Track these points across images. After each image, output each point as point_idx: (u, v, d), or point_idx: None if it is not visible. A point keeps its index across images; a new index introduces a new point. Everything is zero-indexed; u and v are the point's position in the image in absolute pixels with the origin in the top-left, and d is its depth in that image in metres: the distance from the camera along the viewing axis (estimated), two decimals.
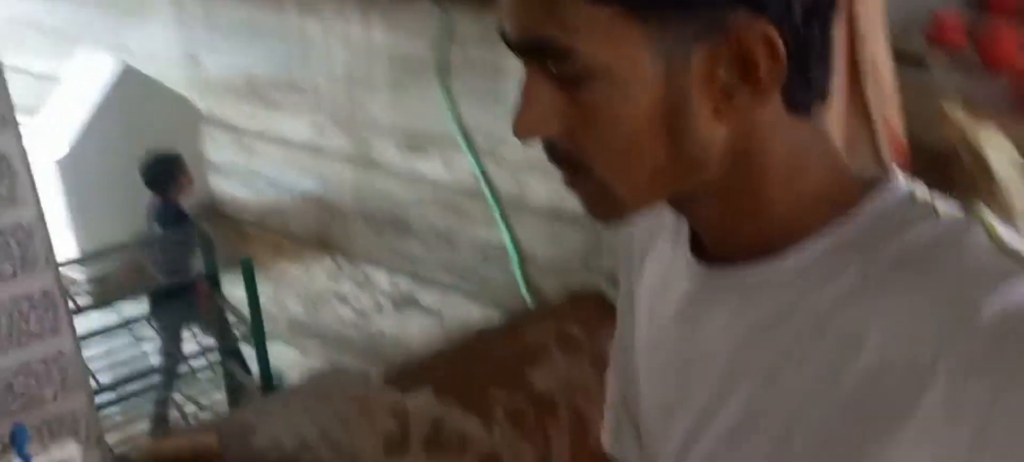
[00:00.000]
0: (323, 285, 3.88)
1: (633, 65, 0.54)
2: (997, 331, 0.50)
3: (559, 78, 0.56)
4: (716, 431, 0.62)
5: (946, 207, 0.57)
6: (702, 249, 0.66)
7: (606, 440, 0.91)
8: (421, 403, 2.37)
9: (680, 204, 0.63)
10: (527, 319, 2.69)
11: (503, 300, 3.91)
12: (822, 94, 0.59)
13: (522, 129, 0.59)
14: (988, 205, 2.03)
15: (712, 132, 0.57)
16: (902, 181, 0.59)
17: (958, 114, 2.74)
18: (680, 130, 0.56)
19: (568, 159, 0.60)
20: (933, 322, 0.52)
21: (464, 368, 2.48)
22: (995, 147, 2.62)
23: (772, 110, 0.57)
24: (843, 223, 0.58)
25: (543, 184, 3.77)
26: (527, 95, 0.58)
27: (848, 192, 0.59)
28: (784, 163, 0.59)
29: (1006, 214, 2.58)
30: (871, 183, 0.59)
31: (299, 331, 4.08)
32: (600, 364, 2.39)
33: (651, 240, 0.75)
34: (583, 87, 0.56)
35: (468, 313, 3.92)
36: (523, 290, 3.81)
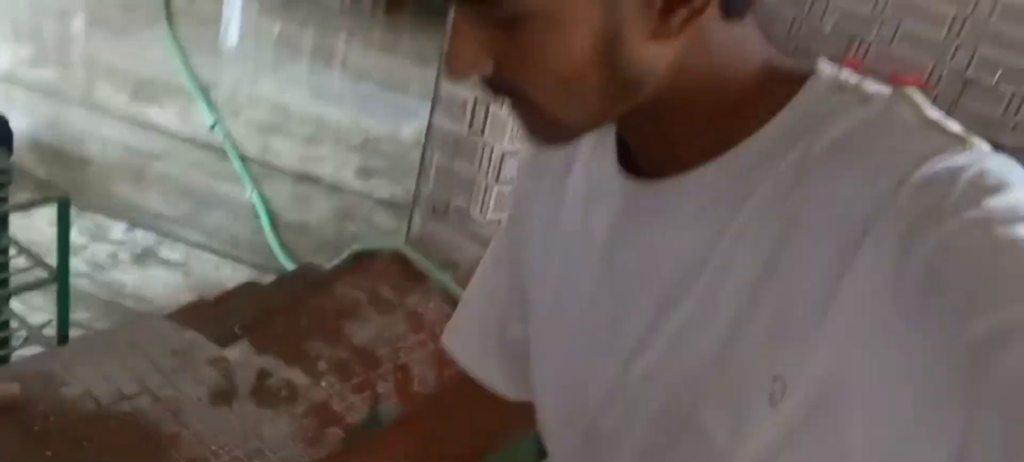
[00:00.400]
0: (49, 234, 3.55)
1: (567, 3, 0.53)
2: (917, 190, 0.50)
3: (494, 20, 0.55)
4: (666, 333, 0.61)
5: (874, 89, 0.57)
6: (631, 166, 0.66)
7: (452, 339, 0.90)
8: (241, 355, 2.36)
9: (622, 120, 0.63)
10: (334, 277, 2.74)
11: (254, 258, 3.85)
12: (755, 5, 0.58)
13: (454, 69, 0.57)
14: None
15: (652, 54, 0.56)
16: (828, 68, 0.59)
17: None
18: (619, 58, 0.55)
19: (506, 91, 0.59)
20: (863, 197, 0.52)
21: (279, 323, 2.49)
22: None
23: (708, 18, 0.56)
24: (776, 117, 0.58)
25: (287, 145, 3.78)
26: (458, 34, 0.57)
27: (781, 85, 0.59)
28: (722, 68, 0.59)
29: None
30: (800, 74, 0.59)
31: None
32: (413, 321, 2.58)
33: (560, 164, 0.74)
34: (518, 27, 0.54)
35: (217, 270, 3.80)
36: (277, 249, 3.79)
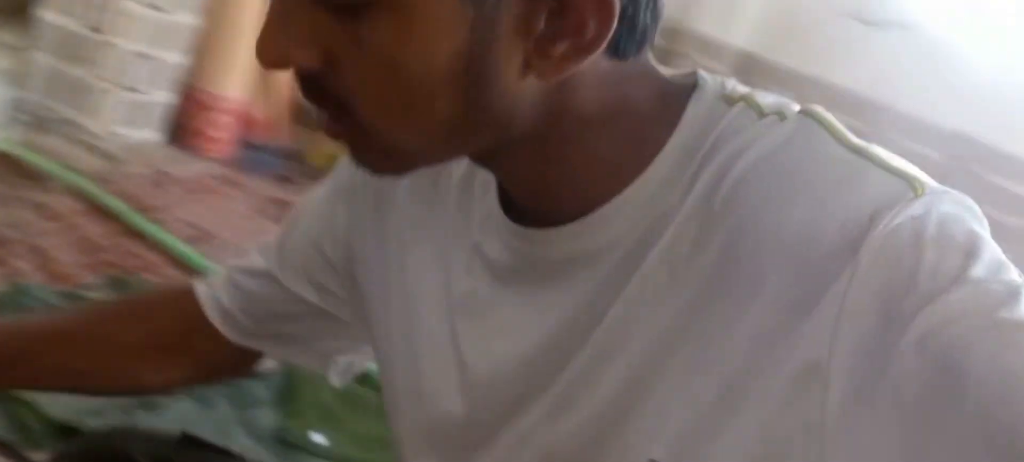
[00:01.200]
0: None
1: (436, 2, 0.44)
2: (882, 256, 0.43)
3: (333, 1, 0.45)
4: (547, 397, 0.52)
5: (771, 101, 0.50)
6: (511, 206, 0.55)
7: (218, 295, 0.72)
8: None
9: (485, 159, 0.52)
10: None
11: None
12: (649, 40, 0.49)
13: (268, 53, 0.46)
14: None
15: (520, 86, 0.47)
16: (708, 76, 0.52)
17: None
18: (482, 83, 0.46)
19: (330, 98, 0.47)
20: (803, 256, 0.44)
21: None
22: None
23: (595, 58, 0.47)
24: (666, 147, 0.49)
25: None
26: (278, 9, 0.46)
27: (667, 105, 0.51)
28: (604, 110, 0.50)
29: None
30: (684, 87, 0.52)
31: None
32: (41, 211, 2.12)
33: (383, 193, 0.63)
34: (365, 16, 0.44)
35: None
36: None
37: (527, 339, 0.53)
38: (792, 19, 3.65)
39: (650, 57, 0.51)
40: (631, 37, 0.47)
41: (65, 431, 1.39)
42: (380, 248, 0.62)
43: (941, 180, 0.48)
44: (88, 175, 2.40)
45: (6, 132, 2.47)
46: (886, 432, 0.42)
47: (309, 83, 0.47)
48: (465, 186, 0.58)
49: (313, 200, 0.69)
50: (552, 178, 0.51)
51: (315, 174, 3.32)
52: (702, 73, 0.52)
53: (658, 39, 0.50)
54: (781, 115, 0.49)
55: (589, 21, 0.44)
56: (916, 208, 0.44)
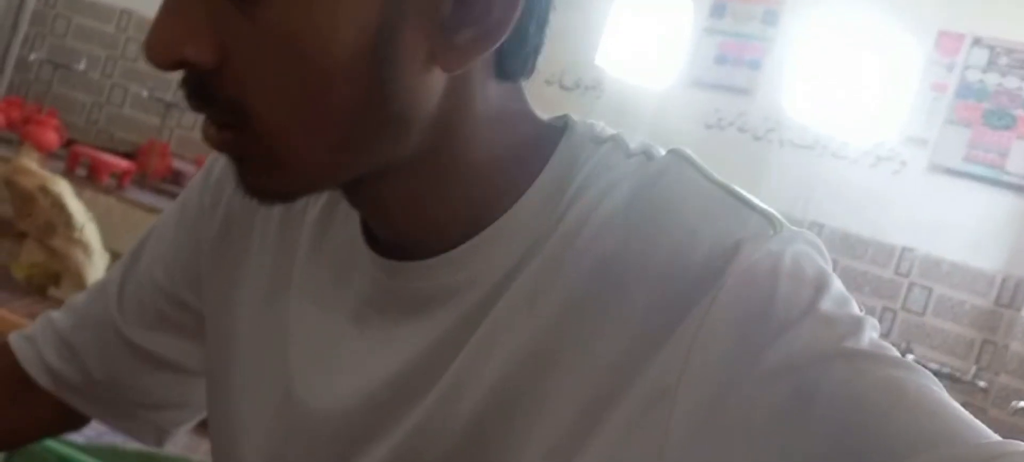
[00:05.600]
0: None
1: None
2: (739, 289, 0.45)
3: None
4: (400, 429, 0.51)
5: (638, 144, 0.52)
6: (373, 240, 0.54)
7: (34, 345, 0.69)
8: None
9: (362, 187, 0.50)
10: None
11: None
12: (532, 67, 0.50)
13: (159, 49, 0.42)
14: (65, 238, 2.64)
15: (422, 81, 0.45)
16: (578, 119, 0.53)
17: (33, 166, 3.03)
18: (386, 70, 0.44)
19: (221, 102, 0.44)
20: (665, 286, 0.45)
21: None
22: (66, 194, 3.01)
23: (483, 71, 0.48)
24: (538, 180, 0.50)
25: None
26: (171, 4, 0.43)
27: (536, 144, 0.51)
28: (485, 141, 0.49)
29: (79, 249, 2.96)
30: (553, 128, 0.53)
31: None
32: None
33: (243, 215, 0.61)
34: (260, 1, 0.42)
35: None
36: None
37: (375, 375, 0.51)
38: None
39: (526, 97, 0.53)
40: (519, 54, 0.49)
41: None
42: (222, 279, 0.60)
43: None
44: None
45: None
46: (731, 457, 0.43)
47: (198, 86, 0.44)
48: (321, 222, 0.56)
49: (154, 237, 0.66)
50: (425, 210, 0.50)
51: (18, 287, 3.06)
52: (572, 116, 0.54)
53: None
54: (648, 155, 0.51)
55: (495, 5, 0.44)
56: (774, 244, 0.47)
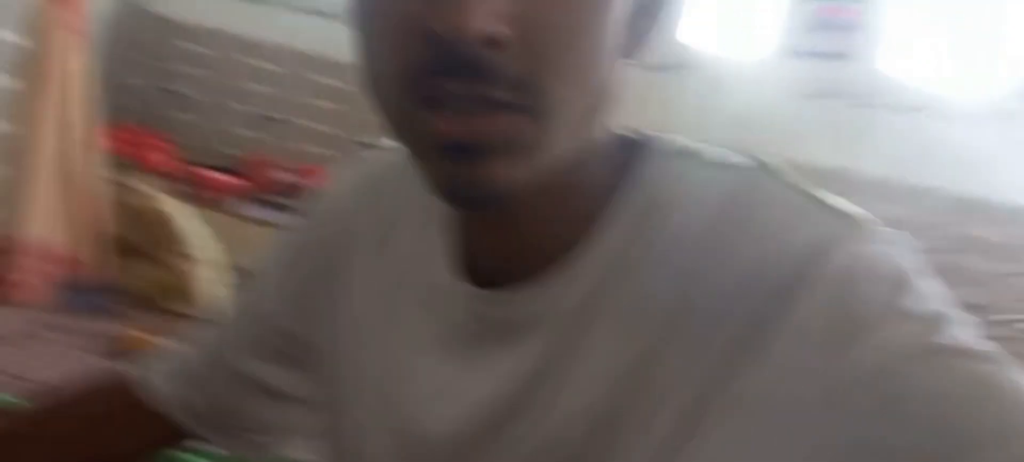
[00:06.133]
0: None
1: None
2: (824, 290, 0.45)
3: None
4: (502, 444, 0.52)
5: (721, 154, 0.51)
6: (465, 267, 0.55)
7: (159, 378, 0.74)
8: None
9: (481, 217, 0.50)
10: None
11: None
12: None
13: (463, 26, 0.41)
14: (180, 257, 2.77)
15: (618, 70, 0.47)
16: (657, 133, 0.53)
17: (145, 189, 3.22)
18: (614, 49, 0.46)
19: (507, 80, 0.44)
20: (752, 292, 0.45)
21: None
22: (180, 215, 3.18)
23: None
24: (627, 196, 0.50)
25: None
26: None
27: (620, 160, 0.51)
28: (584, 148, 0.49)
29: (194, 267, 3.11)
30: (633, 142, 0.53)
31: None
32: None
33: (344, 250, 0.63)
34: None
35: None
36: None
37: (477, 401, 0.52)
38: None
39: None
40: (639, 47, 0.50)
41: None
42: (329, 313, 0.62)
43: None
44: None
45: None
46: (822, 460, 0.43)
47: (481, 61, 0.43)
48: (412, 258, 0.57)
49: (263, 274, 0.69)
50: (528, 232, 0.51)
51: (140, 303, 3.23)
52: (649, 131, 0.53)
53: None
54: (726, 165, 0.51)
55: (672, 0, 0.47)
56: (854, 246, 0.47)
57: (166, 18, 4.57)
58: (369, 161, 0.65)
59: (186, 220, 3.22)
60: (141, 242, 3.20)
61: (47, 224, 2.90)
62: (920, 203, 3.24)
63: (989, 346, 0.45)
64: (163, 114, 4.67)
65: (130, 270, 3.23)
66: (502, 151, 0.45)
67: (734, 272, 0.47)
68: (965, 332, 0.46)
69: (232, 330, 0.71)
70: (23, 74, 2.70)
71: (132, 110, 4.58)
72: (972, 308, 0.48)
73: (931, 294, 0.47)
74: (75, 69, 2.92)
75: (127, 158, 3.55)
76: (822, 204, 0.49)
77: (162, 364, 0.74)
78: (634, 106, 0.55)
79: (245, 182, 4.00)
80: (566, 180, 0.50)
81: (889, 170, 3.27)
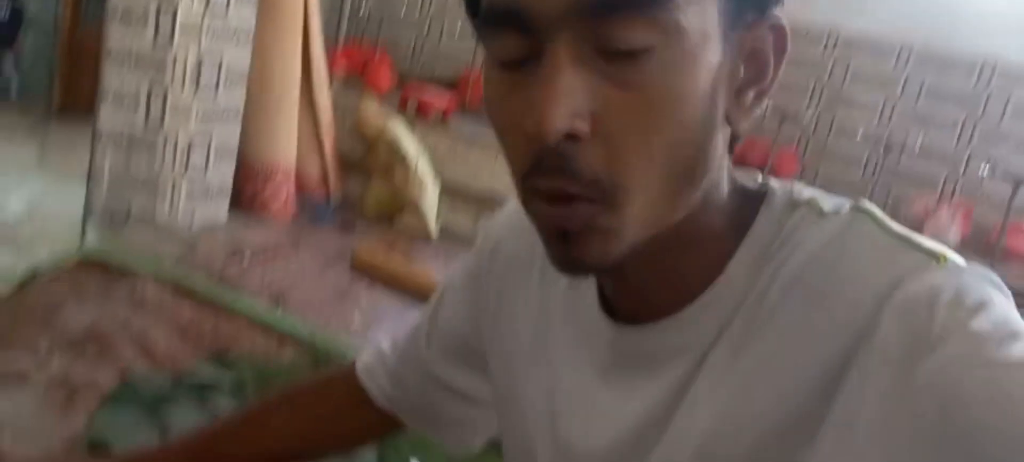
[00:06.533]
0: None
1: (706, 30, 0.46)
2: (899, 315, 0.47)
3: (622, 46, 0.45)
4: None
5: (831, 204, 0.54)
6: (606, 305, 0.60)
7: (373, 374, 0.84)
8: None
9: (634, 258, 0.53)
10: (17, 295, 2.28)
11: None
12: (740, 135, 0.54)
13: (548, 125, 0.45)
14: (403, 174, 2.82)
15: (719, 144, 0.50)
16: (778, 184, 0.56)
17: (374, 111, 3.41)
18: (711, 139, 0.49)
19: (585, 174, 0.47)
20: (840, 324, 0.49)
21: None
22: (401, 134, 3.36)
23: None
24: (742, 246, 0.54)
25: None
26: (557, 82, 0.46)
27: (740, 213, 0.55)
28: (704, 204, 0.53)
29: (416, 183, 3.30)
30: (755, 193, 0.56)
31: None
32: (135, 304, 2.28)
33: (511, 283, 0.70)
34: (647, 59, 0.45)
35: None
36: None
37: (619, 423, 0.58)
38: None
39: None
40: (745, 118, 0.51)
41: None
42: (499, 336, 0.70)
43: None
44: (169, 261, 2.56)
45: (83, 233, 2.65)
46: None
47: (557, 155, 0.47)
48: (570, 290, 0.65)
49: (449, 289, 0.78)
50: (652, 279, 0.56)
51: (370, 219, 3.47)
52: (772, 182, 0.57)
53: None
54: (837, 213, 0.54)
55: (770, 59, 0.49)
56: (936, 277, 0.48)
57: None
58: None
59: (409, 137, 3.37)
60: (370, 160, 3.39)
61: (289, 146, 3.15)
62: None
63: None
64: (383, 32, 4.89)
65: (362, 187, 3.46)
66: (586, 235, 0.49)
67: (827, 311, 0.50)
68: None
69: (425, 339, 0.80)
70: (263, 7, 2.91)
71: (354, 28, 4.83)
72: None
73: (1006, 320, 0.46)
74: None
75: (354, 76, 3.75)
76: (908, 243, 0.51)
77: (377, 360, 0.84)
78: None
79: (457, 97, 4.12)
80: (682, 235, 0.53)
81: None
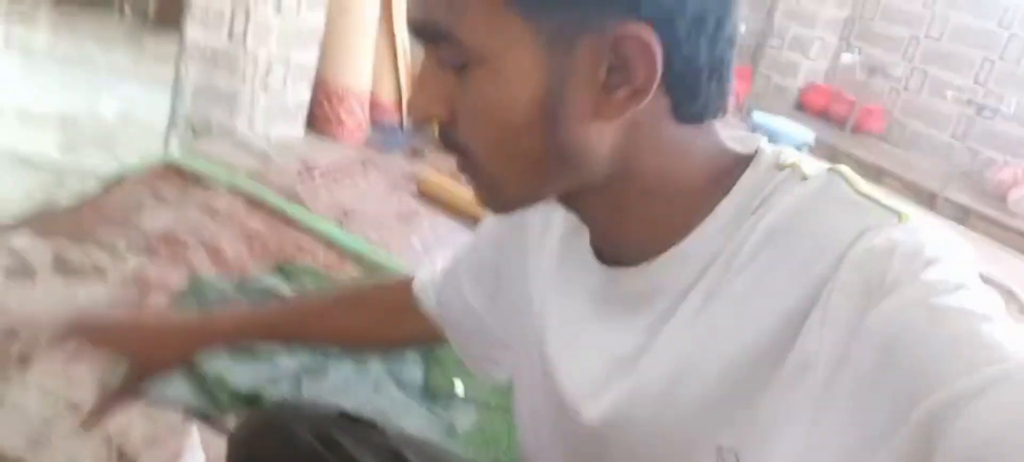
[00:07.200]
0: None
1: (514, 54, 0.54)
2: (858, 265, 0.51)
3: (448, 63, 0.56)
4: (616, 392, 0.63)
5: (812, 167, 0.59)
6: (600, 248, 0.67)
7: (426, 288, 0.93)
8: (26, 243, 2.03)
9: (570, 203, 0.63)
10: (99, 196, 2.44)
11: None
12: (717, 110, 0.60)
13: (412, 110, 0.60)
14: None
15: (593, 131, 0.56)
16: (768, 148, 0.61)
17: None
18: (559, 125, 0.56)
19: (456, 147, 0.59)
20: (807, 272, 0.53)
21: (61, 221, 2.18)
22: None
23: (658, 117, 0.58)
24: (724, 201, 0.59)
25: None
26: (420, 77, 0.59)
27: (727, 171, 0.60)
28: (675, 164, 0.60)
29: None
30: (744, 156, 0.61)
31: None
32: (208, 212, 2.41)
33: (543, 225, 0.75)
34: (467, 73, 0.56)
35: None
36: None
37: (604, 352, 0.65)
38: None
39: (718, 129, 0.61)
40: (691, 103, 0.58)
41: (247, 399, 1.64)
42: (519, 278, 0.77)
43: None
44: (243, 173, 2.68)
45: (167, 141, 2.78)
46: (851, 415, 0.48)
47: (443, 134, 0.60)
48: (565, 239, 0.71)
49: (483, 230, 0.86)
50: (622, 227, 0.62)
51: (439, 147, 3.53)
52: (763, 144, 0.62)
53: None
54: (811, 175, 0.58)
55: (639, 68, 0.54)
56: (896, 232, 0.52)
57: None
58: None
59: None
60: None
61: (365, 70, 3.23)
62: None
63: (999, 313, 0.48)
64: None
65: None
66: (478, 191, 0.62)
67: (793, 260, 0.54)
68: (979, 300, 0.49)
69: (464, 270, 0.87)
70: None
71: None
72: None
73: (955, 273, 0.50)
74: None
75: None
76: (874, 201, 0.55)
77: (429, 277, 0.92)
78: None
79: None
80: (645, 190, 0.60)
81: None
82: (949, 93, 4.97)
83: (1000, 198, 4.55)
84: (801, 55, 6.25)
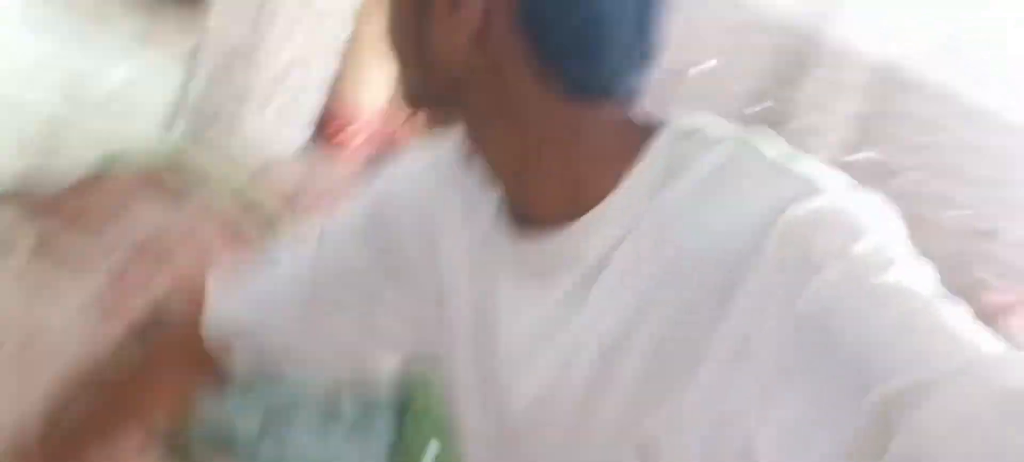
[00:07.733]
0: None
1: None
2: (783, 239, 0.50)
3: None
4: (534, 385, 0.64)
5: (719, 132, 0.59)
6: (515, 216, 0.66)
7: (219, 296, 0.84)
8: (9, 219, 1.96)
9: (494, 172, 0.64)
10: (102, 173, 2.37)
11: None
12: (627, 86, 0.60)
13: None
14: None
15: (449, 40, 0.59)
16: (676, 118, 0.61)
17: None
18: (422, 25, 0.60)
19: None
20: (726, 248, 0.52)
21: (44, 202, 2.11)
22: None
23: (535, 90, 0.59)
24: (630, 173, 0.59)
25: None
26: None
27: (634, 141, 0.60)
28: (561, 137, 0.60)
29: None
30: (650, 128, 0.60)
31: None
32: (195, 211, 2.33)
33: (468, 208, 0.71)
34: None
35: None
36: None
37: (524, 321, 0.64)
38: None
39: (633, 103, 0.62)
40: (595, 74, 0.59)
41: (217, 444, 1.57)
42: (427, 267, 0.72)
43: None
44: (244, 174, 2.62)
45: (171, 123, 2.71)
46: (785, 397, 0.48)
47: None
48: (494, 217, 0.68)
49: (342, 215, 0.82)
50: (528, 188, 0.62)
51: None
52: (673, 114, 0.62)
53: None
54: (722, 141, 0.58)
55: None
56: (816, 201, 0.52)
57: None
58: (445, 147, 0.73)
59: None
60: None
61: (379, 92, 3.17)
62: None
63: (934, 288, 0.49)
64: None
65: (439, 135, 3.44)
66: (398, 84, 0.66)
67: (712, 233, 0.54)
68: (913, 276, 0.49)
69: (312, 258, 0.80)
70: None
71: None
72: None
73: (883, 246, 0.50)
74: None
75: None
76: (789, 171, 0.55)
77: (227, 303, 0.82)
78: None
79: None
80: (543, 156, 0.60)
81: None
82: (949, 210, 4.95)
83: (989, 322, 4.51)
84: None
